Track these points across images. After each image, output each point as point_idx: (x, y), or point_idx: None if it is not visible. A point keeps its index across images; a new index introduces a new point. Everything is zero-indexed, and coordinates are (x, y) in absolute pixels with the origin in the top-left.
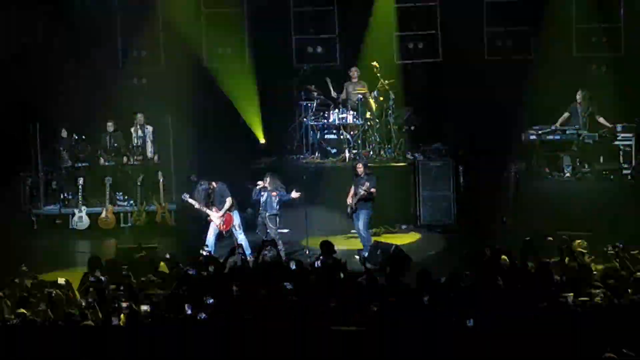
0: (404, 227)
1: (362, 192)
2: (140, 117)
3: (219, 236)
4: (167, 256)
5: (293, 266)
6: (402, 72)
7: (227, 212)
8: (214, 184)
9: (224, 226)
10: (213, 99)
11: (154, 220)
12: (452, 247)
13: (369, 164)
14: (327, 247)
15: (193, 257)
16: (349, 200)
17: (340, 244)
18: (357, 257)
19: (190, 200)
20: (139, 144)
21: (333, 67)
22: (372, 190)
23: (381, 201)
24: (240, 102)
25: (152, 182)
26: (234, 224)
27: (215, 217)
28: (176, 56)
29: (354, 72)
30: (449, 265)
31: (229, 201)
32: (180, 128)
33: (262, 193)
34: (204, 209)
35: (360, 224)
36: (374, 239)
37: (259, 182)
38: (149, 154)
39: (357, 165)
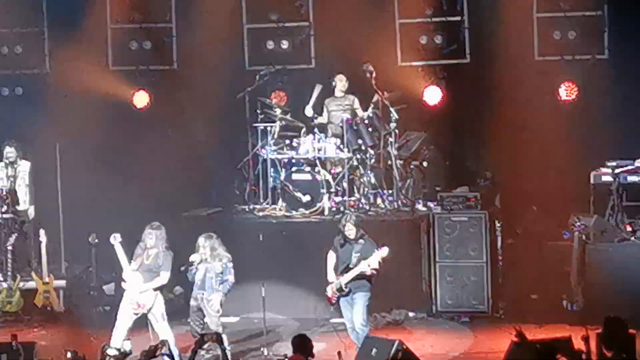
0: (411, 314)
1: (366, 269)
2: (10, 150)
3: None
4: (69, 354)
5: None
6: (409, 79)
7: (152, 290)
8: (162, 243)
9: (136, 306)
10: (122, 119)
11: (32, 302)
12: (489, 344)
13: (361, 220)
14: (301, 344)
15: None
16: (333, 278)
17: (315, 339)
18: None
19: (118, 246)
20: (8, 188)
21: (305, 71)
22: (375, 268)
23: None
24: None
25: (31, 246)
26: (154, 311)
27: (134, 287)
28: (69, 56)
29: (340, 83)
30: None
31: (164, 277)
32: (75, 163)
33: (198, 266)
34: (127, 268)
35: (357, 315)
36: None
37: (193, 257)
38: (22, 204)
39: (346, 226)
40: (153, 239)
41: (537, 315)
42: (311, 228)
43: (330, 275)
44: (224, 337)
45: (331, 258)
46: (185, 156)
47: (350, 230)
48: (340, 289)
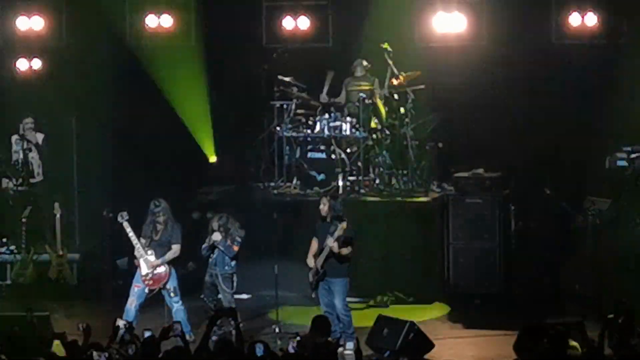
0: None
1: (332, 245)
2: (28, 121)
3: (144, 302)
4: (81, 327)
5: (259, 352)
6: (427, 59)
7: (166, 264)
8: (169, 216)
9: (151, 282)
10: (139, 94)
11: (46, 275)
12: (498, 326)
13: (342, 204)
14: (321, 325)
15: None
16: (311, 263)
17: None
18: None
19: (126, 224)
20: (22, 159)
21: (322, 50)
22: (343, 250)
23: (389, 255)
24: (181, 100)
25: (45, 219)
26: (168, 285)
27: (147, 264)
28: (86, 30)
29: (358, 68)
30: (492, 353)
31: (175, 250)
32: (90, 138)
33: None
34: (137, 245)
35: (338, 302)
36: (379, 312)
37: (215, 236)
38: (37, 177)
39: (322, 202)
40: (160, 214)
41: (550, 298)
42: None
43: (309, 260)
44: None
45: (313, 244)
46: (201, 132)
47: (323, 206)
48: (316, 272)
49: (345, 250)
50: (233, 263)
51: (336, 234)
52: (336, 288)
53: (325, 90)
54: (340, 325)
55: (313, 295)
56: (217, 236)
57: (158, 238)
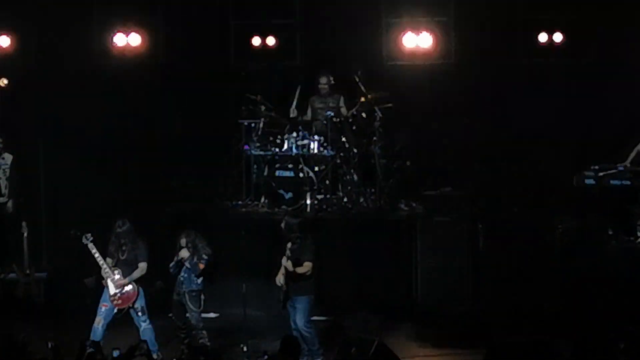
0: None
1: (287, 265)
2: None
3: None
4: (49, 346)
5: None
6: (395, 78)
7: (134, 283)
8: (133, 235)
9: (120, 301)
10: (107, 114)
11: (13, 294)
12: (466, 345)
13: (299, 223)
14: (290, 346)
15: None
16: (279, 281)
17: None
18: None
19: (91, 246)
20: None
21: (292, 68)
22: (298, 268)
23: (358, 274)
24: (150, 119)
25: (13, 238)
26: (136, 305)
27: (114, 284)
28: (54, 49)
29: (324, 83)
30: None
31: (142, 268)
32: (58, 157)
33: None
34: (104, 265)
35: (300, 319)
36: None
37: (182, 253)
38: (3, 195)
39: (284, 219)
40: (125, 234)
41: (518, 317)
42: None
43: (277, 279)
44: (204, 332)
45: (283, 263)
46: (169, 151)
47: (282, 224)
48: (285, 291)
49: (301, 269)
50: (199, 280)
51: (287, 252)
52: (298, 305)
53: (294, 104)
54: (304, 345)
55: (283, 312)
56: (184, 253)
57: (125, 257)
